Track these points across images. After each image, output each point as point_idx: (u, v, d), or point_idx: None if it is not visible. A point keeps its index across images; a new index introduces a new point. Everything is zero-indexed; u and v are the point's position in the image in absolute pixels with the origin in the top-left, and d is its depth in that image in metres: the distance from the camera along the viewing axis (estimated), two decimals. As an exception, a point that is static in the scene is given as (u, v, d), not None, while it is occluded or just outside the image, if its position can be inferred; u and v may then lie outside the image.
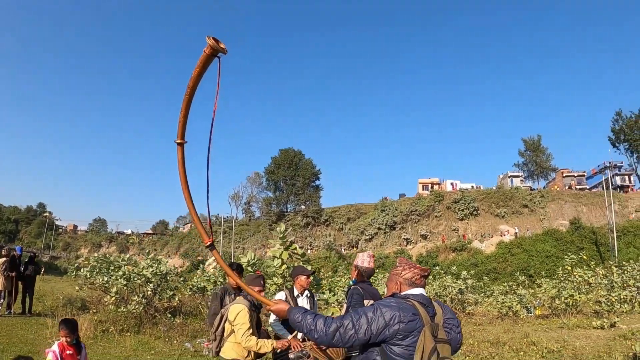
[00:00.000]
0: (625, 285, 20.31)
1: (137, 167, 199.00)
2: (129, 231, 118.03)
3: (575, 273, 20.44)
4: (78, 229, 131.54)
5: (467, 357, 10.71)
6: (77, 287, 19.62)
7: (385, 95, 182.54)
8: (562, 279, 21.02)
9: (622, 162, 77.80)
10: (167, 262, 18.00)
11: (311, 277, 6.69)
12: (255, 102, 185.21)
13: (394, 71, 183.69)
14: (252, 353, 5.04)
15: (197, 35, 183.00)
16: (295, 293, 6.25)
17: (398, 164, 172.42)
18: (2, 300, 14.10)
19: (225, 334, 5.14)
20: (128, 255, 16.42)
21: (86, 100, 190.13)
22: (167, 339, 11.76)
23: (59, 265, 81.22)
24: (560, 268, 21.58)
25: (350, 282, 5.73)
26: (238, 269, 6.48)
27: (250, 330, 4.89)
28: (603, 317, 16.43)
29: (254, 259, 13.36)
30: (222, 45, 3.00)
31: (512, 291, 25.52)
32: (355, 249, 76.09)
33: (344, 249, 76.85)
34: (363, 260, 5.43)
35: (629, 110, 73.31)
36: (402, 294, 3.06)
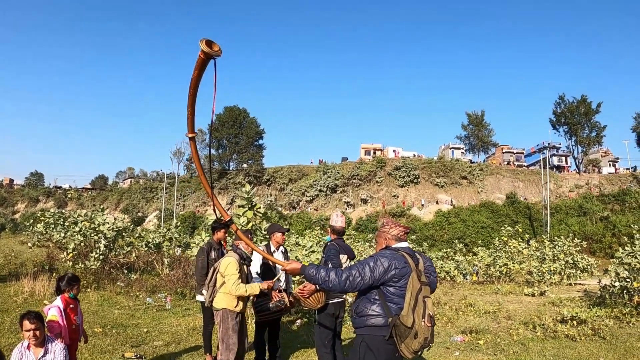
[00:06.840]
0: (555, 258, 21.73)
1: (76, 122, 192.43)
2: (67, 186, 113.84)
3: (510, 244, 21.73)
4: (14, 183, 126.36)
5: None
6: (29, 244, 19.39)
7: (332, 60, 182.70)
8: (497, 248, 22.31)
9: (560, 144, 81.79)
10: (123, 218, 17.83)
11: (286, 234, 7.18)
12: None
13: (342, 35, 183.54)
14: (241, 303, 5.57)
15: None
16: (272, 249, 6.69)
17: (341, 128, 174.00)
18: None
19: (217, 285, 5.63)
20: (84, 212, 16.16)
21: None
22: (128, 295, 11.98)
23: (-6, 221, 78.23)
24: (497, 238, 22.81)
25: (326, 239, 6.30)
26: (226, 226, 6.86)
27: (240, 280, 5.40)
28: (534, 286, 17.61)
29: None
30: (215, 48, 3.02)
31: (450, 257, 26.85)
32: (295, 209, 76.79)
33: (285, 209, 76.81)
34: (336, 220, 5.95)
35: (572, 95, 76.28)
36: (393, 247, 3.73)
